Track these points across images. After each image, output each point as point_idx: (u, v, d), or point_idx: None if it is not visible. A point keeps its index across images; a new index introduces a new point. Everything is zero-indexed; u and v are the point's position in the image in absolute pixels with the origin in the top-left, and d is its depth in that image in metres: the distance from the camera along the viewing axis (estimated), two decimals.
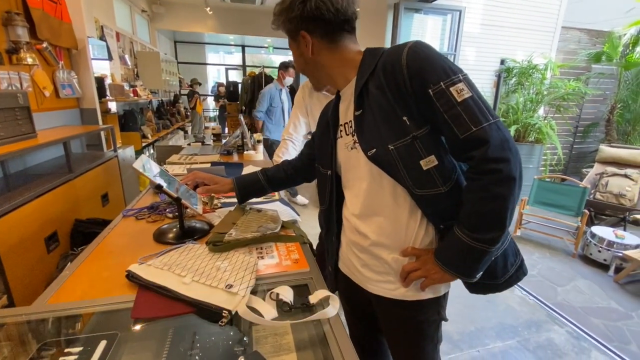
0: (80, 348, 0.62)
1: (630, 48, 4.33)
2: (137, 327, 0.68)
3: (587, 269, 2.69)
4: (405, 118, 0.68)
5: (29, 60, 2.14)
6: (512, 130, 4.08)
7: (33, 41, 2.21)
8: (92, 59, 2.86)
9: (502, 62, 4.36)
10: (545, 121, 4.20)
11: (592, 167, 3.82)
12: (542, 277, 2.54)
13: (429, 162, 0.69)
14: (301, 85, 1.71)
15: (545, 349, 1.81)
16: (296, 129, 1.72)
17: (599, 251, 2.70)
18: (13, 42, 2.07)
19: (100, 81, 3.04)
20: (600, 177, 3.51)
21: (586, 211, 2.90)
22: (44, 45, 2.30)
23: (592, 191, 3.47)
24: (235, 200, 1.14)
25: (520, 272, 0.81)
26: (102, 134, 2.95)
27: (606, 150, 3.69)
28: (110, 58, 3.75)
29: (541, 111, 4.43)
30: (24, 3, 2.16)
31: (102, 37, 3.73)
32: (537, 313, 2.11)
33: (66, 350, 0.62)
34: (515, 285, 2.38)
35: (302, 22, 0.75)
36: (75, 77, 2.71)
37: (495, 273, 0.78)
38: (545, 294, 2.30)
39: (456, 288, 0.85)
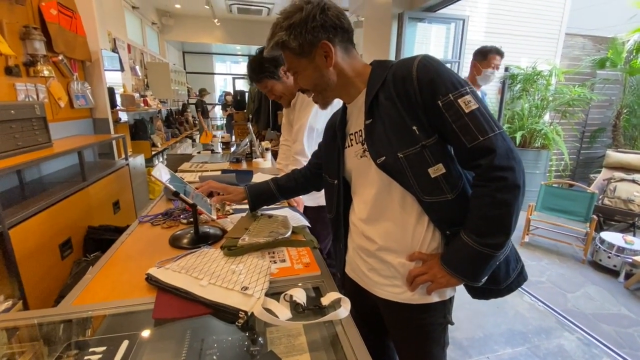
0: (104, 348, 0.65)
1: (634, 54, 4.33)
2: (157, 327, 0.71)
3: (597, 275, 2.66)
4: (414, 127, 0.71)
5: (46, 73, 2.22)
6: (517, 136, 4.08)
7: (49, 54, 2.29)
8: (105, 70, 2.95)
9: (507, 69, 4.39)
10: (551, 127, 4.19)
11: (599, 172, 3.80)
12: (551, 284, 2.53)
13: (437, 170, 0.72)
14: None
15: (556, 355, 1.80)
16: (288, 132, 1.79)
17: (609, 257, 2.68)
18: (30, 55, 2.15)
19: (111, 91, 3.13)
20: (608, 183, 3.49)
21: (595, 217, 2.89)
22: (60, 57, 2.39)
23: (601, 197, 3.45)
24: (246, 206, 1.18)
25: (521, 277, 0.83)
26: (114, 142, 3.02)
27: (613, 155, 3.67)
28: (122, 69, 3.86)
29: (547, 117, 4.44)
30: (41, 18, 2.25)
31: (114, 49, 3.84)
32: (547, 319, 2.09)
33: (91, 349, 0.65)
34: (524, 292, 2.37)
35: (324, 31, 0.74)
36: (89, 88, 2.80)
37: (498, 278, 0.79)
38: (554, 301, 2.28)
39: (465, 295, 0.87)
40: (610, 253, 2.66)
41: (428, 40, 3.47)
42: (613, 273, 2.65)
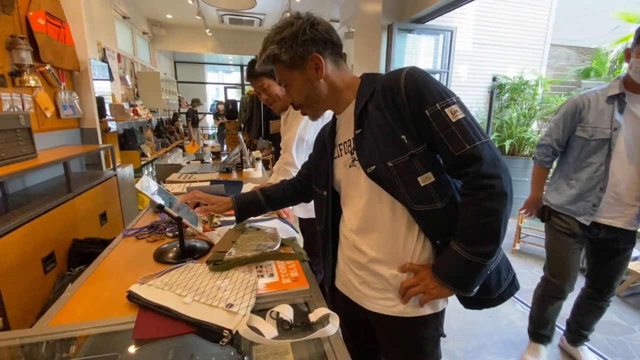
0: None
1: (618, 64, 4.47)
2: (138, 348, 0.68)
3: None
4: (403, 137, 0.72)
5: (32, 83, 2.19)
6: (506, 144, 4.14)
7: (36, 64, 2.26)
8: (94, 79, 2.91)
9: (494, 79, 4.48)
10: (539, 135, 4.28)
11: None
12: None
13: (426, 179, 0.72)
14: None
15: None
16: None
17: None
18: (17, 65, 2.12)
19: (100, 101, 3.09)
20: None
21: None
22: (47, 67, 2.35)
23: None
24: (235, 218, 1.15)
25: (512, 286, 0.83)
26: (102, 153, 2.97)
27: None
28: (111, 79, 3.82)
29: (535, 125, 4.52)
30: (29, 27, 2.23)
31: (103, 59, 3.81)
32: None
33: None
34: (517, 300, 2.37)
35: (314, 45, 0.76)
36: (77, 97, 2.76)
37: (490, 288, 0.79)
38: None
39: (457, 304, 0.86)
40: None
41: (417, 51, 3.52)
42: None
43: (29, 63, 2.15)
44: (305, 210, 1.64)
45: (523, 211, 1.86)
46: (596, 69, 4.53)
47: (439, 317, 0.84)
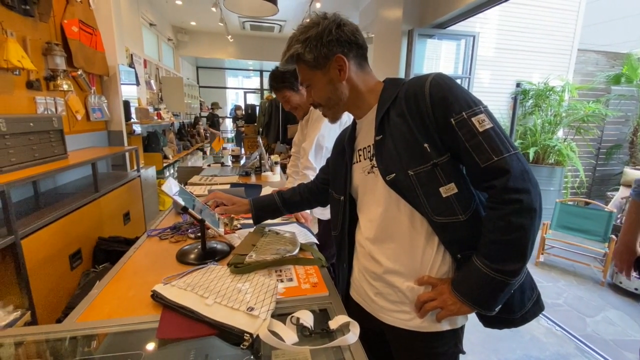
0: None
1: None
2: (161, 347, 0.69)
3: (617, 299, 2.54)
4: (426, 145, 0.70)
5: (65, 87, 2.29)
6: (531, 152, 4.02)
7: (69, 69, 2.37)
8: (121, 84, 3.03)
9: (518, 84, 4.37)
10: (565, 143, 4.12)
11: (617, 190, 3.69)
12: (569, 307, 2.42)
13: (448, 190, 0.69)
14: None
15: None
16: (297, 146, 1.86)
17: (629, 280, 2.56)
18: (51, 70, 2.23)
19: (126, 105, 3.21)
20: (626, 201, 3.38)
21: (613, 237, 2.78)
22: (79, 72, 2.47)
23: (619, 216, 3.33)
24: None
25: (537, 307, 0.77)
26: (127, 154, 3.08)
27: (631, 173, 3.57)
28: (137, 83, 3.96)
29: (560, 133, 4.36)
30: (63, 34, 2.34)
31: (131, 64, 3.96)
32: (565, 345, 1.99)
33: None
34: (541, 315, 2.27)
35: (339, 46, 0.75)
36: (105, 101, 2.88)
37: (512, 307, 0.75)
38: (573, 325, 2.18)
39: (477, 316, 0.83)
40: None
41: (438, 57, 3.48)
42: (634, 296, 2.53)
43: (63, 68, 2.26)
44: (326, 212, 1.65)
45: (614, 263, 1.31)
46: (627, 74, 4.34)
47: (457, 333, 0.80)
